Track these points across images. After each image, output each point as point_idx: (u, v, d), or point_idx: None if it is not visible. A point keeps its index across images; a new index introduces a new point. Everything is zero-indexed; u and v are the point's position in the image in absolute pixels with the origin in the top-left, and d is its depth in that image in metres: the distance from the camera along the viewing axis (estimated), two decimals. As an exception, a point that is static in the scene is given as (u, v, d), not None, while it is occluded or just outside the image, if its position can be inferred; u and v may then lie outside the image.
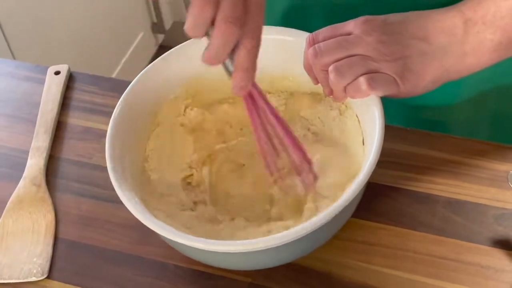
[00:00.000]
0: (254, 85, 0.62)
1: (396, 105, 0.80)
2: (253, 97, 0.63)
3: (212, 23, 0.56)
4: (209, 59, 0.58)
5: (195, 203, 0.71)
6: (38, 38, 1.74)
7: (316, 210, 0.67)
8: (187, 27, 0.56)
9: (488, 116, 0.84)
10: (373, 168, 0.61)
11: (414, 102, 0.80)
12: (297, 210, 0.69)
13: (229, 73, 0.60)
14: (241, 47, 0.58)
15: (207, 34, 0.57)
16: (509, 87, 0.81)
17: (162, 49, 2.30)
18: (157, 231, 0.61)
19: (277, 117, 0.65)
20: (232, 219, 0.70)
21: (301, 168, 0.67)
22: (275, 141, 0.66)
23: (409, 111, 0.83)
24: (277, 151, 0.66)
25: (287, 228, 0.63)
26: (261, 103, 0.63)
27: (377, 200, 0.72)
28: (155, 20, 2.32)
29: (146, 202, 0.66)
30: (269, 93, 0.77)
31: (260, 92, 0.63)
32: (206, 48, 0.57)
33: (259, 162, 0.73)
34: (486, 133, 0.83)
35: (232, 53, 0.58)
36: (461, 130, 0.79)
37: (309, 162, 0.67)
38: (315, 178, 0.68)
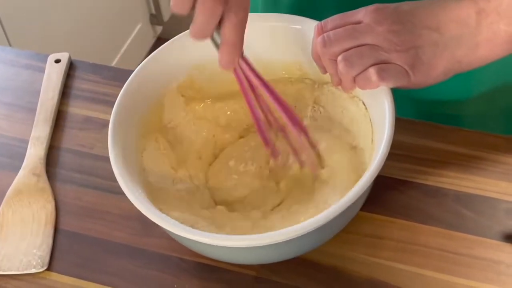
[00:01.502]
0: (244, 59, 0.63)
1: (407, 99, 0.79)
2: (243, 70, 0.63)
3: None
4: (195, 34, 0.59)
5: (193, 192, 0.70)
6: (38, 26, 1.72)
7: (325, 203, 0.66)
8: (173, 4, 0.57)
9: (500, 111, 0.83)
10: (383, 161, 0.60)
11: (426, 96, 0.79)
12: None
13: (217, 46, 0.60)
14: (226, 22, 0.59)
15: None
16: None
17: (160, 41, 2.28)
18: (160, 224, 0.60)
19: (269, 89, 0.65)
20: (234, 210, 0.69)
21: (297, 140, 0.67)
22: (269, 115, 0.66)
23: (420, 105, 0.82)
24: (272, 123, 0.67)
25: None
26: (251, 76, 0.64)
27: (386, 193, 0.71)
28: (153, 12, 2.30)
29: (149, 194, 0.65)
30: (276, 80, 0.75)
31: (250, 65, 0.63)
32: (192, 23, 0.58)
33: (262, 154, 0.72)
34: (499, 127, 0.81)
35: (219, 27, 0.59)
36: (473, 124, 0.78)
37: (305, 132, 0.67)
38: (314, 148, 0.68)
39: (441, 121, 0.77)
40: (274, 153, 0.70)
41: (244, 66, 0.63)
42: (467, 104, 0.82)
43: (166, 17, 2.34)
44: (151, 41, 2.33)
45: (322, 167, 0.69)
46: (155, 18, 2.31)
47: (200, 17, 0.57)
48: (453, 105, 0.82)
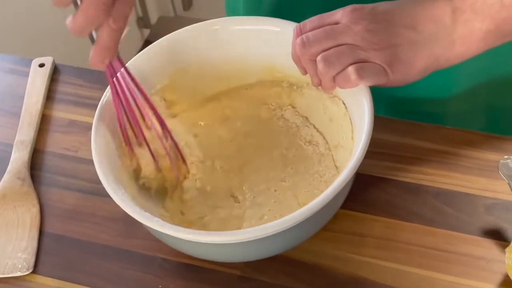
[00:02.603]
0: (119, 59, 0.65)
1: (388, 98, 0.79)
2: (115, 72, 0.65)
3: None
4: (73, 31, 0.60)
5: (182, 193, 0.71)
6: (22, 30, 1.72)
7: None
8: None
9: (481, 108, 0.84)
10: (362, 158, 0.60)
11: (407, 95, 0.80)
12: None
13: (93, 41, 0.62)
14: (105, 27, 0.60)
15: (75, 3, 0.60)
16: (502, 79, 0.81)
17: (148, 43, 2.27)
18: (144, 223, 0.60)
19: (142, 92, 0.68)
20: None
21: (164, 143, 0.70)
22: (138, 115, 0.68)
23: (402, 104, 0.82)
24: (137, 126, 0.69)
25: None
26: (122, 79, 0.66)
27: (367, 191, 0.71)
28: (140, 15, 2.31)
29: (133, 195, 0.65)
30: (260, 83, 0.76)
31: (124, 68, 0.66)
32: (72, 18, 0.60)
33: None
34: (480, 125, 0.82)
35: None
36: (454, 122, 0.79)
37: (171, 138, 0.70)
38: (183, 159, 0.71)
39: (422, 120, 0.77)
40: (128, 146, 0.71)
41: (117, 67, 0.65)
42: (448, 102, 0.82)
43: (153, 20, 2.34)
44: (139, 44, 2.33)
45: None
46: (142, 21, 2.31)
47: (81, 20, 0.59)
48: (433, 104, 0.83)
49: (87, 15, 0.59)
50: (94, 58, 0.62)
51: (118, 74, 0.66)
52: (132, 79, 0.67)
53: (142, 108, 0.68)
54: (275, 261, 0.67)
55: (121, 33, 0.62)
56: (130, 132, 0.69)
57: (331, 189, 0.59)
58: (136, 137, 0.69)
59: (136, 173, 0.69)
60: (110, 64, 0.65)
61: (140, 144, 0.69)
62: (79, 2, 0.59)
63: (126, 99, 0.67)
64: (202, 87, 0.76)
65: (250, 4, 0.86)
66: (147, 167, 0.69)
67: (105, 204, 0.72)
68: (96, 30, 0.61)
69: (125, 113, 0.67)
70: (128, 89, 0.67)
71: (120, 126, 0.68)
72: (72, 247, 0.71)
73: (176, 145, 0.71)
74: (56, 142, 0.81)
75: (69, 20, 0.60)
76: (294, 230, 0.59)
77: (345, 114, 0.70)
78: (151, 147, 0.69)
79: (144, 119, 0.69)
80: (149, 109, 0.69)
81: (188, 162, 0.72)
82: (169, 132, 0.70)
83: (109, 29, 0.61)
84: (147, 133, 0.69)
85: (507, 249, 0.62)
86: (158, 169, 0.70)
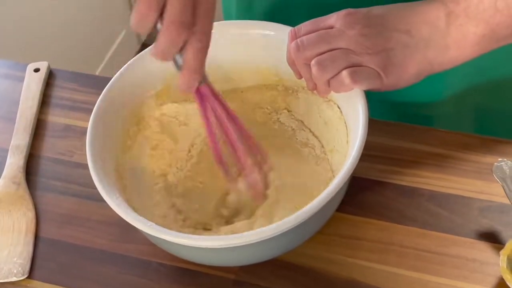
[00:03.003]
0: (207, 83, 0.63)
1: (381, 102, 0.80)
2: (204, 95, 0.63)
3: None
4: (157, 55, 0.58)
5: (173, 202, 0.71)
6: (17, 35, 1.72)
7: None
8: (133, 23, 0.56)
9: (473, 111, 0.84)
10: (357, 162, 0.61)
11: (400, 98, 0.80)
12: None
13: (178, 67, 0.60)
14: (189, 47, 0.58)
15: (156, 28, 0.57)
16: (494, 82, 0.81)
17: (145, 47, 2.27)
18: (138, 227, 0.60)
19: (232, 116, 0.65)
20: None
21: (252, 171, 0.67)
22: (228, 141, 0.66)
23: (395, 107, 0.83)
24: (230, 151, 0.66)
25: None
26: (212, 101, 0.63)
27: (361, 194, 0.72)
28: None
29: (128, 199, 0.65)
30: (252, 86, 0.76)
31: (212, 91, 0.63)
32: (155, 43, 0.58)
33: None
34: (472, 127, 0.82)
35: (182, 49, 0.58)
36: (446, 124, 0.79)
37: (263, 164, 0.68)
38: (266, 186, 0.68)
39: (415, 122, 0.78)
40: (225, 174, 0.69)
41: (205, 90, 0.63)
42: (440, 105, 0.83)
43: (150, 23, 2.34)
44: (136, 47, 2.33)
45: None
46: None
47: (163, 41, 0.57)
48: (426, 106, 0.83)
49: (169, 36, 0.56)
50: (184, 84, 0.60)
51: (210, 99, 0.63)
52: (221, 102, 0.64)
53: (236, 132, 0.65)
54: (269, 265, 0.67)
55: (206, 52, 0.60)
56: (226, 159, 0.66)
57: (325, 193, 0.59)
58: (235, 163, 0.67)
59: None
60: (199, 89, 0.62)
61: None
62: (159, 27, 0.57)
63: (217, 124, 0.64)
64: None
65: (243, 9, 0.87)
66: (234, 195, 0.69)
67: (101, 208, 0.72)
68: (180, 53, 0.59)
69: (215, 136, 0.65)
70: (217, 112, 0.64)
71: (215, 153, 0.66)
72: (68, 251, 0.71)
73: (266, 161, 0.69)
74: (51, 147, 0.81)
75: (151, 47, 0.58)
76: (289, 234, 0.59)
77: (340, 118, 0.70)
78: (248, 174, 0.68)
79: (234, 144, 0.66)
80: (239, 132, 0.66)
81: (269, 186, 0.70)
82: (263, 155, 0.68)
83: (193, 50, 0.58)
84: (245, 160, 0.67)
85: (501, 252, 0.62)
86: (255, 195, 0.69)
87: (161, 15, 0.56)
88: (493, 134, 0.75)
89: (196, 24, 0.58)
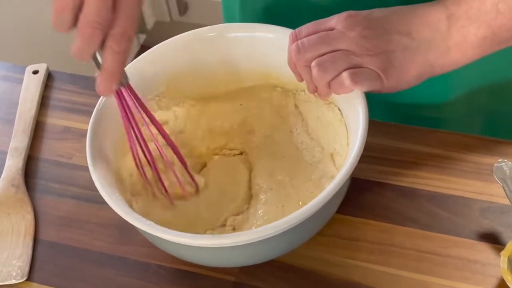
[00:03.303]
0: (127, 86, 0.63)
1: (385, 104, 0.79)
2: (123, 98, 0.63)
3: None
4: (75, 55, 0.58)
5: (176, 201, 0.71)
6: (16, 37, 1.71)
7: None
8: (53, 21, 0.57)
9: (479, 113, 0.84)
10: (356, 162, 0.60)
11: (405, 99, 0.80)
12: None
13: (99, 67, 0.60)
14: (108, 50, 0.58)
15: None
16: (499, 84, 0.81)
17: (144, 49, 2.27)
18: (139, 227, 0.60)
19: (152, 119, 0.66)
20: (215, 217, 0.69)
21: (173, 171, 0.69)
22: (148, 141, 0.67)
23: (399, 109, 0.82)
24: (148, 150, 0.67)
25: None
26: (131, 103, 0.64)
27: (361, 195, 0.71)
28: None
29: (128, 201, 0.65)
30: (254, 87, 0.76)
31: (133, 93, 0.64)
32: (74, 44, 0.58)
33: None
34: (477, 129, 0.82)
35: (102, 48, 0.58)
36: (450, 127, 0.79)
37: (185, 165, 0.69)
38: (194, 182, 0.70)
39: (419, 124, 0.77)
40: (145, 178, 0.70)
41: (126, 94, 0.63)
42: (444, 107, 0.82)
43: (149, 25, 2.34)
44: (136, 49, 2.33)
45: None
46: (138, 26, 2.31)
47: (79, 40, 0.57)
48: (431, 109, 0.83)
49: (83, 36, 0.57)
50: (101, 86, 0.60)
51: (128, 101, 0.64)
52: (143, 107, 0.65)
53: (153, 135, 0.67)
54: (269, 266, 0.67)
55: (126, 56, 0.59)
56: (143, 159, 0.67)
57: (325, 194, 0.59)
58: (149, 164, 0.68)
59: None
60: (120, 91, 0.63)
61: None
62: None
63: (138, 128, 0.65)
64: (197, 92, 0.76)
65: (247, 10, 0.86)
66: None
67: (100, 211, 0.72)
68: (100, 53, 0.59)
69: (138, 140, 0.66)
70: (140, 114, 0.65)
71: (133, 153, 0.67)
72: (67, 254, 0.71)
73: (186, 168, 0.70)
74: (50, 149, 0.81)
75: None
76: (288, 234, 0.59)
77: (340, 120, 0.70)
78: (162, 177, 0.69)
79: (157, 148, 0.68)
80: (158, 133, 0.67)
81: (197, 181, 0.71)
82: (181, 157, 0.69)
83: (112, 52, 0.58)
84: (158, 164, 0.68)
85: (502, 253, 0.62)
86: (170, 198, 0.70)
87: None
88: (499, 136, 0.75)
89: (116, 26, 0.57)
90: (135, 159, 0.67)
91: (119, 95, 0.63)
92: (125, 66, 0.61)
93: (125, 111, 0.64)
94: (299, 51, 0.65)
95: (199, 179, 0.71)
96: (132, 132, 0.65)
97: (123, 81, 0.62)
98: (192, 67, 0.74)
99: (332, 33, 0.65)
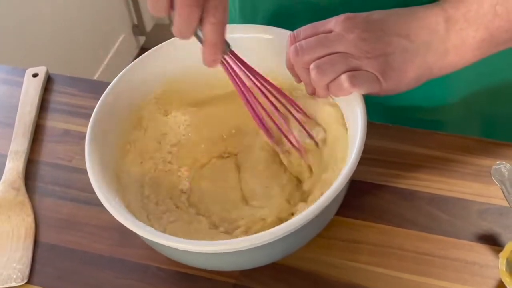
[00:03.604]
0: (231, 53, 0.65)
1: (386, 106, 0.79)
2: (229, 65, 0.65)
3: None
4: (177, 34, 0.61)
5: (176, 205, 0.71)
6: (15, 40, 1.72)
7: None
8: (149, 7, 0.59)
9: (477, 116, 0.84)
10: (355, 165, 0.61)
11: (404, 102, 0.80)
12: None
13: (201, 42, 0.62)
14: (206, 23, 0.60)
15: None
16: (497, 87, 0.81)
17: (143, 51, 2.27)
18: (138, 233, 0.60)
19: (261, 78, 0.67)
20: (212, 220, 0.69)
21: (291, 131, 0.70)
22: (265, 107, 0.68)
23: (399, 111, 0.82)
24: (268, 114, 0.69)
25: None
26: (238, 70, 0.66)
27: (361, 197, 0.72)
28: (136, 22, 2.31)
29: (127, 204, 0.65)
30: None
31: (238, 59, 0.65)
32: (173, 24, 0.60)
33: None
34: (476, 132, 0.82)
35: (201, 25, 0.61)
36: (452, 130, 0.79)
37: (301, 110, 0.70)
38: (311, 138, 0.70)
39: (417, 127, 0.77)
40: (270, 137, 0.71)
41: (230, 61, 0.65)
42: (443, 110, 0.82)
43: (149, 27, 2.34)
44: (135, 51, 2.33)
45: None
46: (137, 28, 2.32)
47: (179, 20, 0.59)
48: (430, 111, 0.83)
49: (182, 16, 0.59)
50: (206, 59, 0.63)
51: (236, 68, 0.65)
52: (251, 69, 0.67)
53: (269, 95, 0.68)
54: (269, 269, 0.67)
55: (224, 26, 0.61)
56: (269, 123, 0.69)
57: (324, 197, 0.59)
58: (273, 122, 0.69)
59: None
60: (225, 60, 0.65)
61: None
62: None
63: (248, 89, 0.67)
64: (195, 94, 0.76)
65: (247, 12, 0.87)
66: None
67: (100, 213, 0.72)
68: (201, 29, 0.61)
69: (252, 102, 0.67)
70: (250, 80, 0.67)
71: (253, 117, 0.68)
72: (67, 257, 0.71)
73: (302, 125, 0.70)
74: (50, 152, 0.81)
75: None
76: (288, 238, 0.59)
77: (340, 121, 0.70)
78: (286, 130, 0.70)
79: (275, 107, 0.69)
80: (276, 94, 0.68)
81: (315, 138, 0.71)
82: (299, 108, 0.70)
83: (210, 25, 0.60)
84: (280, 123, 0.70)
85: (500, 254, 0.62)
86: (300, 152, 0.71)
87: None
88: (497, 138, 0.75)
89: (209, 0, 0.59)
90: (259, 125, 0.69)
91: (224, 63, 0.65)
92: (224, 36, 0.63)
93: (234, 77, 0.66)
94: (298, 54, 0.65)
95: (317, 132, 0.71)
96: (245, 96, 0.67)
97: (226, 49, 0.64)
98: (189, 69, 0.75)
99: (331, 36, 0.65)
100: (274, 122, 0.70)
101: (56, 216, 0.75)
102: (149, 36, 2.35)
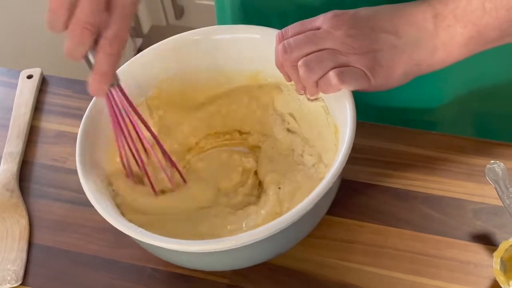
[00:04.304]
0: (119, 87, 0.63)
1: (379, 106, 0.79)
2: (115, 99, 0.63)
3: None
4: (66, 53, 0.59)
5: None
6: (10, 42, 1.71)
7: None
8: (46, 21, 0.58)
9: (471, 116, 0.84)
10: (345, 161, 0.60)
11: (397, 103, 0.80)
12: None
13: (90, 67, 0.60)
14: (100, 51, 0.59)
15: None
16: (491, 87, 0.81)
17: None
18: (127, 233, 0.60)
19: (143, 122, 0.66)
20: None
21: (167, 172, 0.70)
22: (138, 143, 0.67)
23: (392, 112, 0.82)
24: (137, 154, 0.68)
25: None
26: (122, 106, 0.64)
27: (354, 197, 0.72)
28: (132, 24, 2.31)
29: (120, 205, 0.65)
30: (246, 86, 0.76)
31: (124, 95, 0.64)
32: (66, 42, 0.58)
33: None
34: (472, 132, 0.82)
35: (94, 49, 0.59)
36: (447, 130, 0.79)
37: (176, 168, 0.70)
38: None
39: (412, 127, 0.77)
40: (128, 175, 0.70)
41: (116, 95, 0.63)
42: (436, 110, 0.82)
43: (145, 29, 2.34)
44: (131, 53, 2.33)
45: None
46: (134, 30, 2.31)
47: (70, 39, 0.58)
48: (423, 112, 0.83)
49: (74, 37, 0.57)
50: (92, 87, 0.61)
51: (118, 102, 0.64)
52: (133, 108, 0.65)
53: (142, 135, 0.67)
54: (262, 269, 0.67)
55: (119, 58, 0.60)
56: (131, 161, 0.68)
57: (314, 194, 0.59)
58: (138, 166, 0.69)
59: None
60: (110, 92, 0.63)
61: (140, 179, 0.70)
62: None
63: (127, 128, 0.65)
64: (187, 95, 0.76)
65: (237, 13, 0.87)
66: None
67: (94, 214, 0.71)
68: (93, 54, 0.59)
69: (127, 142, 0.66)
70: (129, 117, 0.65)
71: (121, 155, 0.67)
72: (61, 258, 0.71)
73: (175, 166, 0.71)
74: (44, 153, 0.81)
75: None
76: (279, 236, 0.59)
77: (329, 119, 0.70)
78: (151, 177, 0.69)
79: (144, 148, 0.68)
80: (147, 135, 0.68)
81: (184, 176, 0.72)
82: (170, 158, 0.70)
83: (104, 54, 0.58)
84: (146, 161, 0.69)
85: (495, 253, 0.62)
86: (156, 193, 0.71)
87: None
88: (491, 138, 0.75)
89: (109, 28, 0.58)
90: (122, 159, 0.68)
91: (109, 96, 0.63)
92: (117, 68, 0.61)
93: (114, 112, 0.64)
94: (286, 51, 0.65)
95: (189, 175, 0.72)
96: (121, 132, 0.65)
97: (114, 82, 0.62)
98: (180, 70, 0.75)
99: (319, 33, 0.65)
100: (141, 160, 0.69)
101: (51, 218, 0.75)
102: (146, 38, 2.35)
